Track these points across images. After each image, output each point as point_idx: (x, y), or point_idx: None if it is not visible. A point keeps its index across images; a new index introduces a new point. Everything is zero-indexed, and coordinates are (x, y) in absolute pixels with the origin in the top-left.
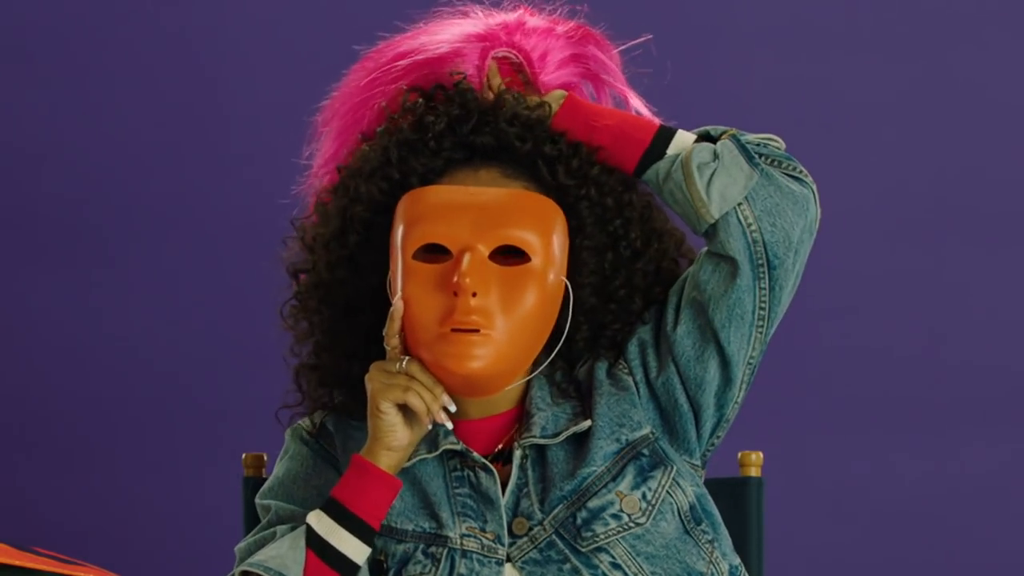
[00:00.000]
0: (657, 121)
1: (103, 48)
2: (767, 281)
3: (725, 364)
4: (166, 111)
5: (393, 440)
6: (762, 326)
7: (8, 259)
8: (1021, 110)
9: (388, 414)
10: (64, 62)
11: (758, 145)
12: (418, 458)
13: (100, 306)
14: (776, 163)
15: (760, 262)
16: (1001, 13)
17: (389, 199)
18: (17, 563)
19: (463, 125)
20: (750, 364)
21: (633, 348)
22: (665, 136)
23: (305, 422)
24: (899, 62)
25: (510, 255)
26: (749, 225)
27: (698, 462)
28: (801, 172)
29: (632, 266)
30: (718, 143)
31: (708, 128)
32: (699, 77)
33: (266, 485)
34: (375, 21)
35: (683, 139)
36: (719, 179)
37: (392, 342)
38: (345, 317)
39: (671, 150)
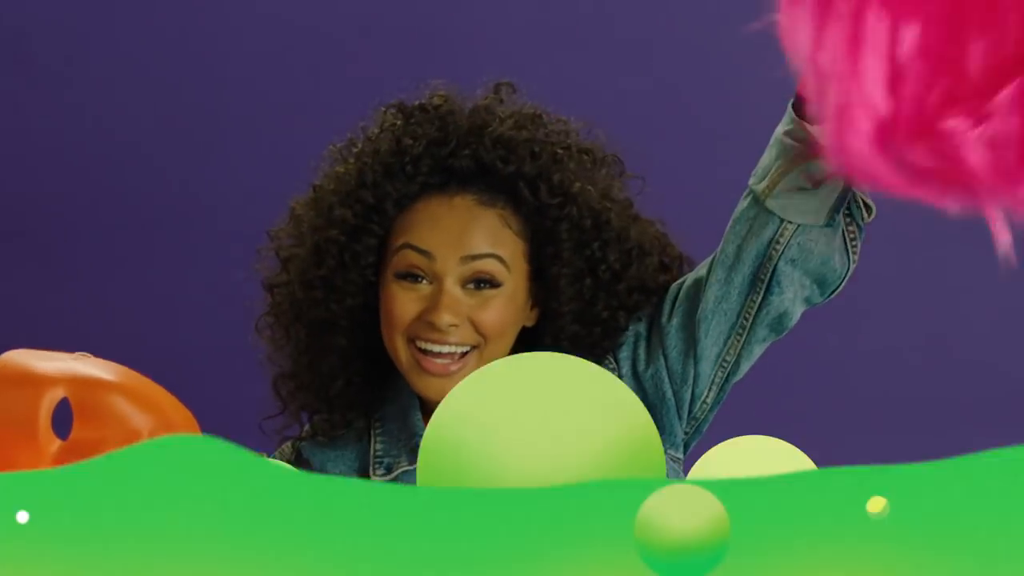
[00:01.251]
0: None
1: (104, 48)
2: (760, 297)
3: (698, 359)
4: (166, 111)
5: None
6: (741, 335)
7: (8, 259)
8: None
9: None
10: (64, 62)
11: (856, 204)
12: (400, 470)
13: (100, 306)
14: (847, 220)
15: (763, 278)
16: None
17: (363, 222)
18: None
19: (441, 148)
20: (723, 366)
21: (626, 341)
22: None
23: (286, 448)
24: None
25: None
26: (777, 243)
27: (681, 455)
28: (855, 247)
29: (613, 288)
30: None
31: None
32: (698, 76)
33: None
34: (371, 22)
35: None
36: (802, 197)
37: None
38: (320, 336)
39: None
